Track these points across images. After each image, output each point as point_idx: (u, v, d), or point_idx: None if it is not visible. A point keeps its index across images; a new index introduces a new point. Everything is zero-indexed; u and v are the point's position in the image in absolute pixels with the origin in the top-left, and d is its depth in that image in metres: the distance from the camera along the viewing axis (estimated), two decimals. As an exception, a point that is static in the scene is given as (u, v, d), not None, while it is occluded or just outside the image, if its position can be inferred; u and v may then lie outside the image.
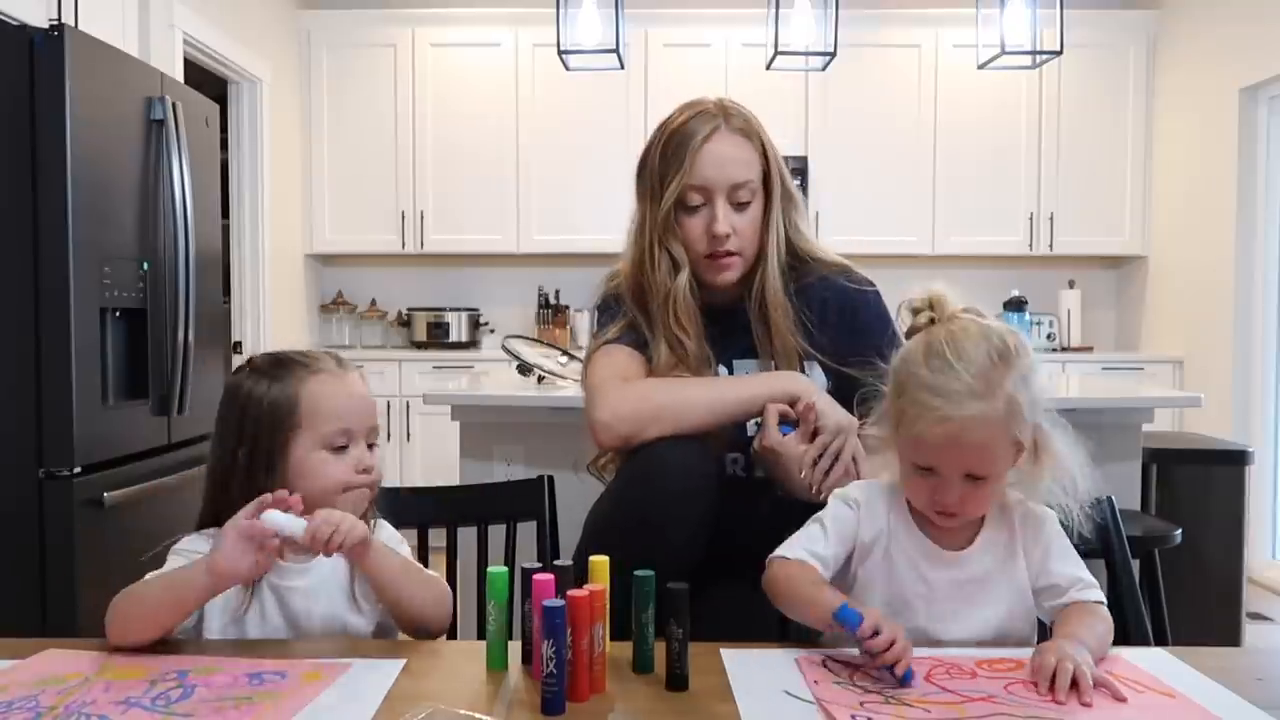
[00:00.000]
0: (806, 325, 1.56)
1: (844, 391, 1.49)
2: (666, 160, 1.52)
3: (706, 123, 1.52)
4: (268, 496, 1.16)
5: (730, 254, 1.52)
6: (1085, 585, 1.17)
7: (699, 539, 1.42)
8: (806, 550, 1.19)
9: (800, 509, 1.43)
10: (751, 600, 1.52)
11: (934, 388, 1.09)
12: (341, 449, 1.27)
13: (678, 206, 1.52)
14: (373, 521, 1.32)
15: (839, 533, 1.21)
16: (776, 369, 1.55)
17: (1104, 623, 1.13)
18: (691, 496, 1.41)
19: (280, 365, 1.29)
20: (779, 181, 1.56)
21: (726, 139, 1.52)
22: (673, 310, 1.53)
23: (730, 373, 1.59)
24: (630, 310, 1.60)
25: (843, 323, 1.58)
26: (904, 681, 1.00)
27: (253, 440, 1.24)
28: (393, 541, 1.33)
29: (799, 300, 1.58)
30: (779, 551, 1.20)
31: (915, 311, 1.19)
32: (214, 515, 1.24)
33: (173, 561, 1.23)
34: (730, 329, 1.59)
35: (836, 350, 1.55)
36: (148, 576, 1.19)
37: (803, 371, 1.56)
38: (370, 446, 1.31)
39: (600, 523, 1.50)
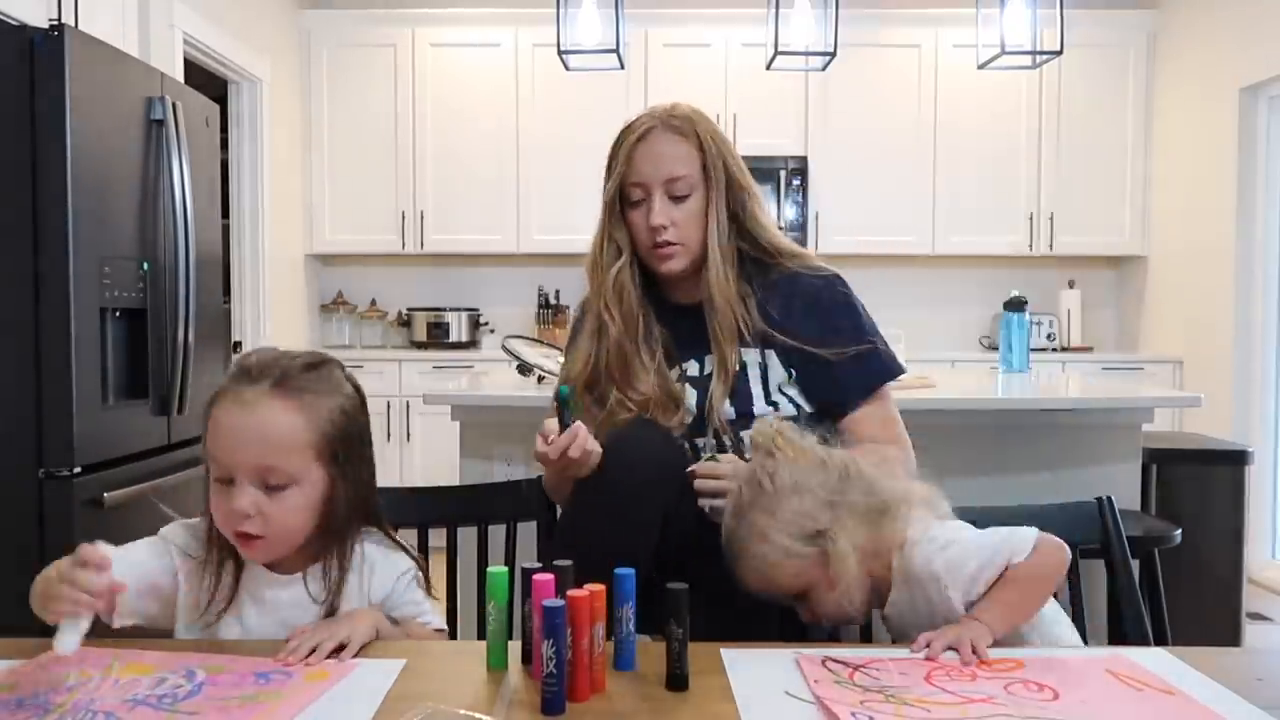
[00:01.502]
0: (770, 315, 1.61)
1: (812, 376, 1.59)
2: (612, 158, 1.64)
3: (646, 123, 1.62)
4: (91, 550, 1.08)
5: (670, 244, 1.60)
6: (997, 561, 1.18)
7: (669, 514, 1.43)
8: None
9: None
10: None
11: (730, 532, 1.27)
12: (227, 486, 1.14)
13: (623, 203, 1.63)
14: (360, 570, 1.23)
15: None
16: (724, 355, 1.59)
17: (1017, 586, 1.17)
18: (656, 479, 1.43)
19: (231, 375, 1.20)
20: (721, 175, 1.62)
21: (661, 137, 1.60)
22: (604, 296, 1.62)
23: (700, 370, 1.63)
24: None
25: (809, 313, 1.62)
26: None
27: (204, 446, 1.19)
28: (400, 584, 1.25)
29: (765, 293, 1.63)
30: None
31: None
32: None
33: (145, 544, 1.22)
34: (692, 327, 1.63)
35: (805, 338, 1.60)
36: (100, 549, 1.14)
37: (762, 360, 1.60)
38: (272, 488, 1.14)
39: (573, 508, 1.51)
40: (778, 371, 1.61)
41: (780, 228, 1.83)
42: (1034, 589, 1.19)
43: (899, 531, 1.23)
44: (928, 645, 1.11)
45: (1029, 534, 1.19)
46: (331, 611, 1.20)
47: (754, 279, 1.64)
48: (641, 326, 1.62)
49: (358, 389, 1.26)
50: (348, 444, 1.21)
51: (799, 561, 1.21)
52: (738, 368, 1.59)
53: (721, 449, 1.58)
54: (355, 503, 1.23)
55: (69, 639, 1.05)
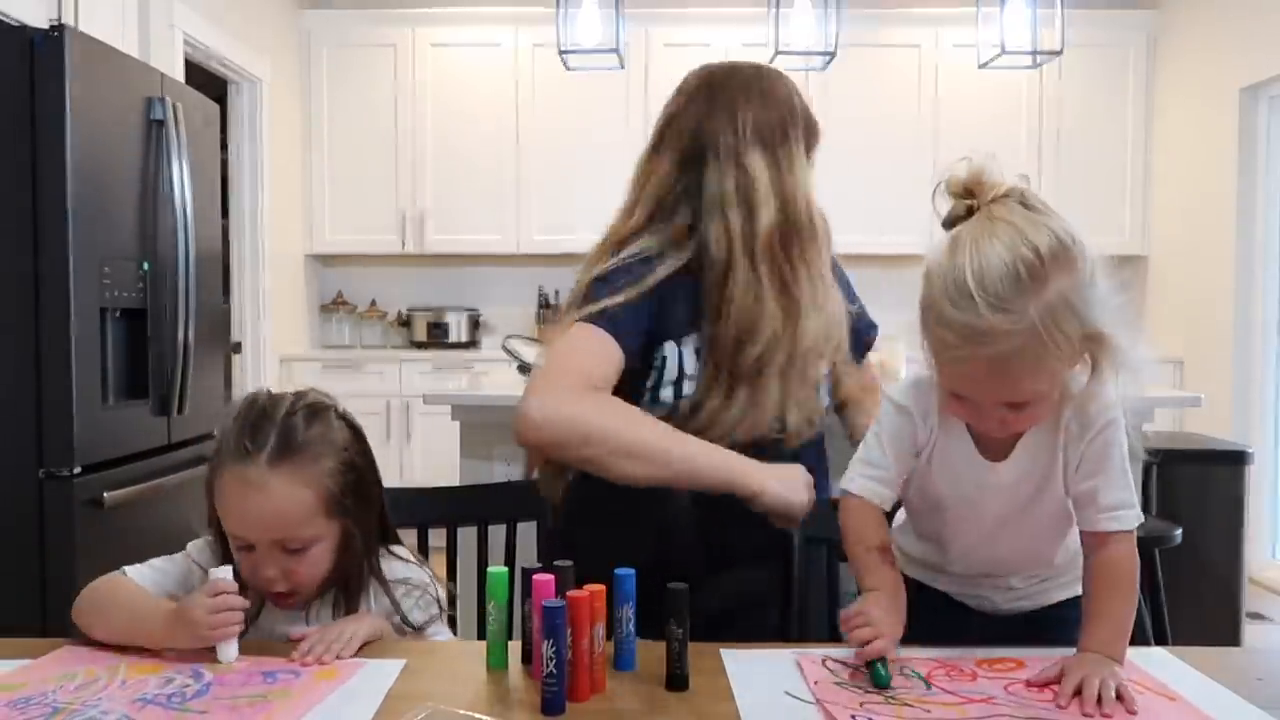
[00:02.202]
0: None
1: None
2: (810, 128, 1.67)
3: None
4: (218, 580, 1.08)
5: None
6: (1115, 511, 1.07)
7: (688, 529, 1.42)
8: (871, 481, 1.15)
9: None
10: (747, 589, 1.52)
11: (952, 324, 0.97)
12: (248, 550, 1.17)
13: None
14: (369, 605, 1.24)
15: (898, 451, 1.15)
16: None
17: (1126, 598, 1.05)
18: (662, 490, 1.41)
19: (232, 434, 1.18)
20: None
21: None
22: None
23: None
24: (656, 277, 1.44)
25: None
26: (876, 682, 0.99)
27: (208, 493, 1.20)
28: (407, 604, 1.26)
29: None
30: (845, 482, 1.16)
31: (953, 196, 1.07)
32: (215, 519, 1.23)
33: (175, 564, 1.23)
34: None
35: None
36: (131, 574, 1.19)
37: None
38: (293, 552, 1.16)
39: (585, 519, 1.50)
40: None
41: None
42: (1135, 597, 1.07)
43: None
44: (1052, 686, 0.98)
45: (1138, 509, 1.07)
46: None
47: None
48: None
49: (354, 428, 1.26)
50: (355, 493, 1.22)
51: (1069, 350, 0.98)
52: None
53: None
54: (368, 538, 1.25)
55: (232, 650, 1.08)
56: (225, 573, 1.10)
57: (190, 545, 1.26)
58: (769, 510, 1.38)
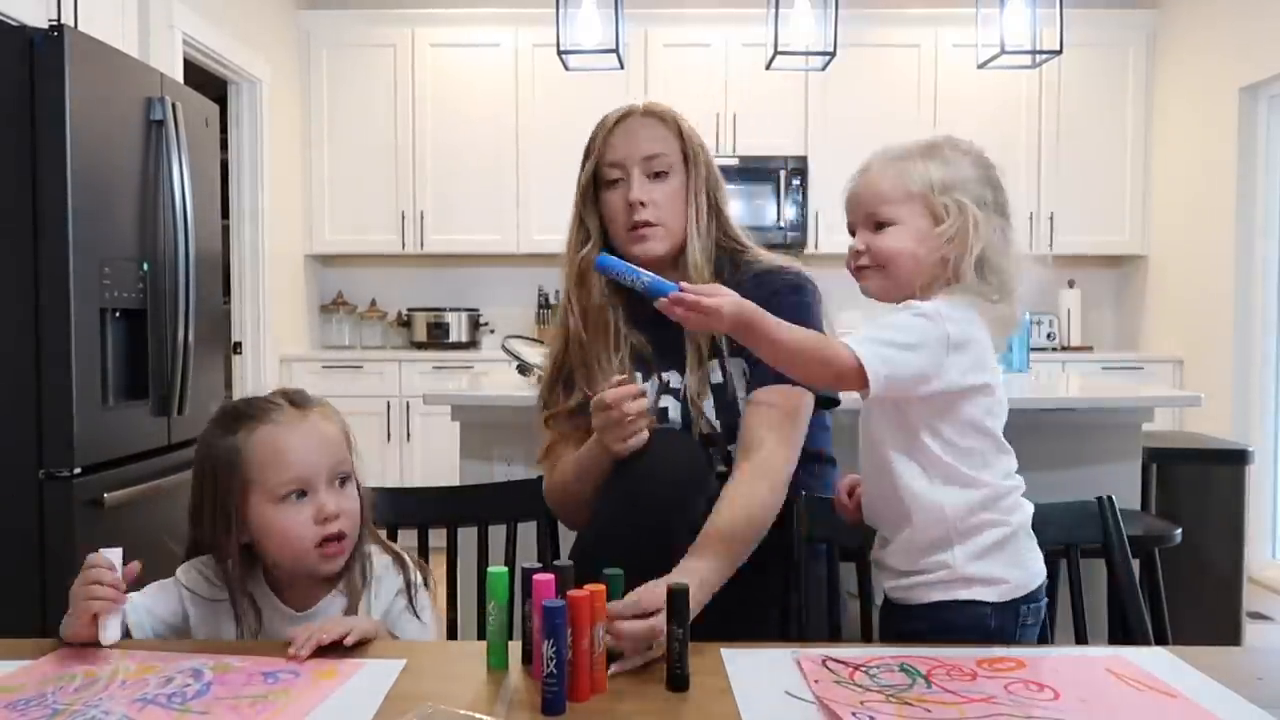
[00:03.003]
0: None
1: (761, 379, 1.49)
2: (589, 146, 1.61)
3: (622, 110, 1.61)
4: (92, 556, 1.13)
5: (649, 224, 1.55)
6: (853, 335, 1.17)
7: (696, 527, 1.42)
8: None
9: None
10: (747, 588, 1.52)
11: (860, 169, 1.29)
12: (300, 498, 1.19)
13: (599, 185, 1.59)
14: (368, 581, 1.25)
15: None
16: (697, 349, 1.54)
17: (811, 335, 1.17)
18: (688, 488, 1.41)
19: (234, 417, 1.22)
20: (701, 165, 1.59)
21: (638, 119, 1.59)
22: (572, 276, 1.59)
23: (682, 380, 1.56)
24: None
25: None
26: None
27: (211, 499, 1.21)
28: (397, 605, 1.26)
29: (740, 291, 1.57)
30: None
31: None
32: (195, 548, 1.26)
33: (157, 587, 1.24)
34: (674, 335, 1.54)
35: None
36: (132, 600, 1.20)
37: (721, 369, 1.55)
38: (342, 483, 1.23)
39: (600, 520, 1.49)
40: (742, 381, 1.54)
41: (779, 227, 1.81)
42: (805, 358, 1.16)
43: (963, 274, 1.20)
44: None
45: (866, 337, 1.15)
46: None
47: (725, 273, 1.58)
48: (607, 322, 1.56)
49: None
50: (353, 456, 1.28)
51: (925, 200, 1.22)
52: (722, 379, 1.53)
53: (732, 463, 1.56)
54: (368, 500, 1.29)
55: (111, 631, 1.11)
56: (114, 554, 1.15)
57: (179, 570, 1.26)
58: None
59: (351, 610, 1.23)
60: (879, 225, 1.23)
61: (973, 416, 1.20)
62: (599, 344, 1.56)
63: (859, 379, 1.12)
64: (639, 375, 1.57)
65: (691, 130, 1.60)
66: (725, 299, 1.12)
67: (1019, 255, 1.23)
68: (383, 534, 1.39)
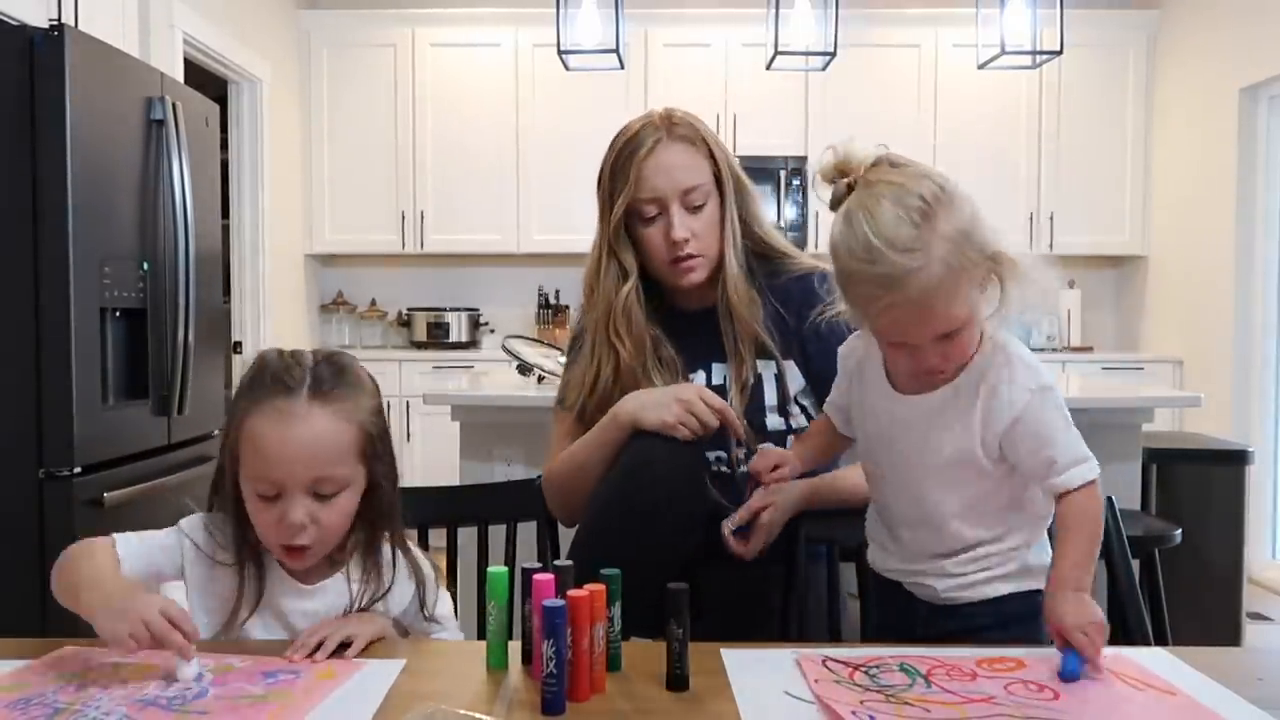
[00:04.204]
0: (785, 322, 1.58)
1: (822, 389, 1.49)
2: (615, 176, 1.56)
3: (650, 135, 1.55)
4: (180, 641, 1.00)
5: (692, 256, 1.55)
6: (1068, 470, 1.12)
7: (692, 530, 1.42)
8: (830, 402, 1.36)
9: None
10: (747, 588, 1.52)
11: (870, 279, 1.07)
12: (273, 500, 1.13)
13: (635, 219, 1.56)
14: (383, 593, 1.21)
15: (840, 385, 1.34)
16: (742, 366, 1.57)
17: (1084, 534, 1.11)
18: (681, 489, 1.41)
19: (251, 382, 1.16)
20: (731, 181, 1.59)
21: (671, 148, 1.54)
22: (612, 320, 1.57)
23: (709, 379, 1.60)
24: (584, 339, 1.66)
25: (824, 329, 1.57)
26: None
27: (227, 458, 1.18)
28: (412, 608, 1.24)
29: (777, 297, 1.60)
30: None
31: (830, 180, 1.18)
32: (213, 503, 1.23)
33: (169, 538, 1.20)
34: (703, 335, 1.60)
35: (820, 355, 1.55)
36: (119, 542, 1.17)
37: (778, 371, 1.57)
38: (322, 498, 1.14)
39: (595, 521, 1.50)
40: (797, 380, 1.57)
41: (779, 227, 1.82)
42: (1097, 529, 1.12)
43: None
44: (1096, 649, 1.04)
45: (1091, 462, 1.13)
46: None
47: (760, 278, 1.60)
48: (650, 347, 1.57)
49: (374, 380, 1.25)
50: (383, 441, 1.21)
51: (973, 279, 1.08)
52: (753, 380, 1.56)
53: (731, 464, 1.57)
54: (391, 497, 1.23)
55: (191, 669, 1.02)
56: (139, 549, 1.16)
57: (183, 521, 1.22)
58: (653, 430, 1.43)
59: (355, 607, 1.20)
60: (947, 335, 1.11)
61: None
62: (648, 369, 1.57)
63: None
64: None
65: (717, 144, 1.59)
66: None
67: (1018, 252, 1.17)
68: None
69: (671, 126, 1.56)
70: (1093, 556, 1.12)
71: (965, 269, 1.07)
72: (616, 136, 1.59)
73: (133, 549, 1.18)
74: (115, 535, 1.19)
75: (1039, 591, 1.18)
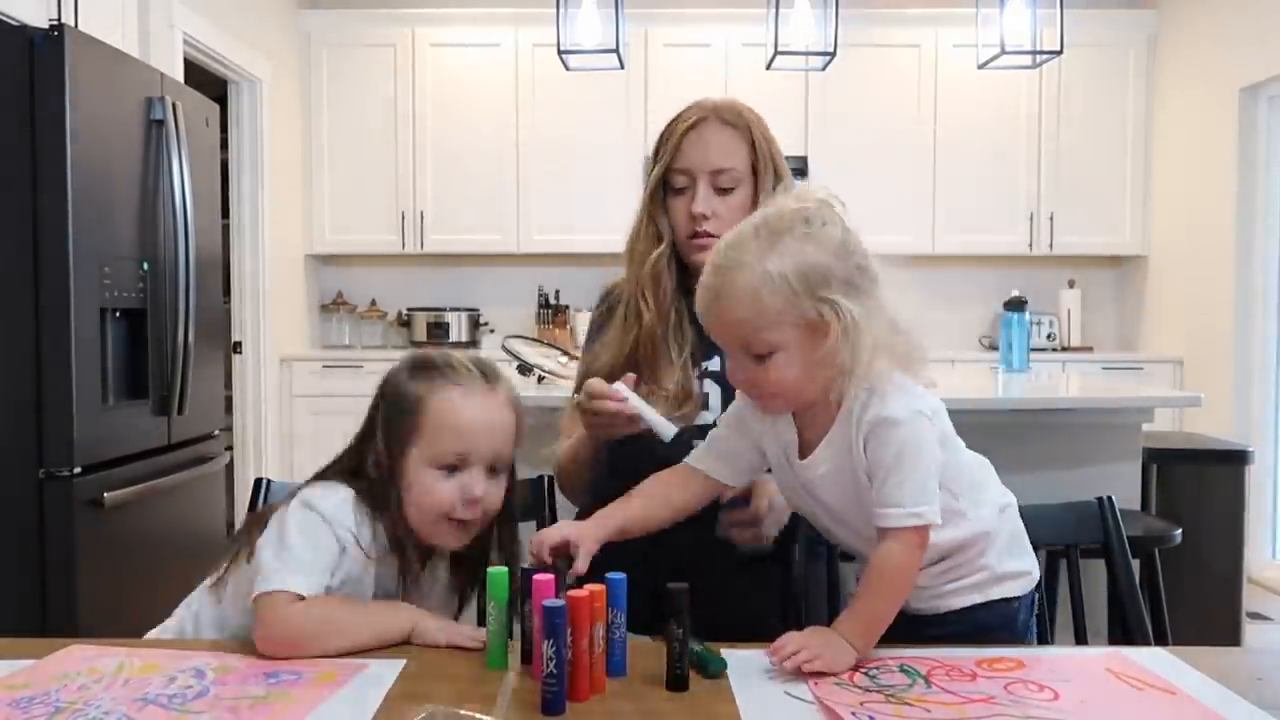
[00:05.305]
0: None
1: None
2: (660, 145, 1.61)
3: (696, 112, 1.59)
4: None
5: (710, 235, 1.55)
6: (884, 509, 1.09)
7: (694, 530, 1.42)
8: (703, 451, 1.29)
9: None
10: (747, 588, 1.52)
11: (709, 263, 1.14)
12: (452, 470, 1.20)
13: (667, 189, 1.59)
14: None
15: (731, 429, 1.28)
16: None
17: (878, 593, 1.09)
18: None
19: (424, 367, 1.24)
20: (770, 175, 1.59)
21: (712, 127, 1.58)
22: (642, 279, 1.59)
23: (723, 366, 1.59)
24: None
25: None
26: (710, 668, 1.04)
27: (385, 434, 1.22)
28: None
29: None
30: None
31: None
32: (345, 473, 1.23)
33: (321, 546, 1.16)
34: None
35: None
36: (308, 595, 1.12)
37: None
38: (495, 472, 1.23)
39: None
40: None
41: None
42: (904, 581, 1.10)
43: (870, 371, 1.09)
44: (784, 653, 1.05)
45: (905, 511, 1.09)
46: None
47: None
48: (674, 318, 1.58)
49: None
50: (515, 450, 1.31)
51: (793, 309, 1.08)
52: None
53: None
54: (513, 509, 1.31)
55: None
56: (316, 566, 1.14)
57: (320, 505, 1.17)
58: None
59: (456, 605, 1.29)
60: (759, 356, 1.11)
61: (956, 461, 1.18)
62: (668, 339, 1.58)
63: (925, 539, 1.11)
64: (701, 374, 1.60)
65: (764, 136, 1.60)
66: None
67: (893, 309, 1.14)
68: None
69: (721, 110, 1.60)
70: (879, 613, 1.08)
71: (785, 295, 1.08)
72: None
73: (317, 587, 1.14)
74: (293, 590, 1.11)
75: (1009, 600, 1.19)
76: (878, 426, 1.10)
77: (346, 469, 1.24)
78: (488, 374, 1.26)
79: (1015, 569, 1.21)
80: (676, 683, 1.00)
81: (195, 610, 1.26)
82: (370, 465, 1.22)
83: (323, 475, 1.24)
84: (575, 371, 1.75)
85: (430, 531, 1.22)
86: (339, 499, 1.19)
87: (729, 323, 1.12)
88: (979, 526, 1.18)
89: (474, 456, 1.20)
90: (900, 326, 1.13)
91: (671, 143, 1.57)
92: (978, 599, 1.19)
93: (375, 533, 1.20)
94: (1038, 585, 1.24)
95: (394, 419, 1.22)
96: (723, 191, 1.56)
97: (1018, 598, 1.21)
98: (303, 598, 1.11)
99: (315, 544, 1.16)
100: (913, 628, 1.23)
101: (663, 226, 1.59)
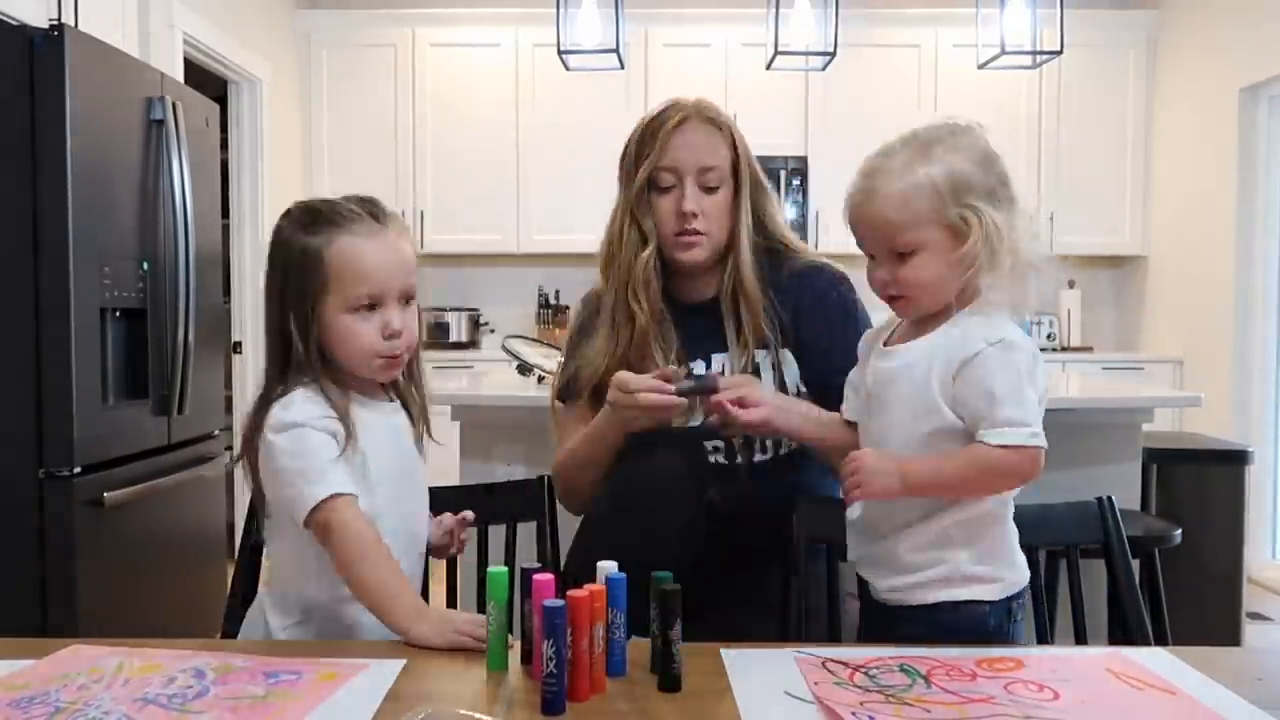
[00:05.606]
0: (781, 316, 1.60)
1: (820, 379, 1.55)
2: (641, 145, 1.62)
3: (678, 112, 1.63)
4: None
5: (697, 233, 1.58)
6: (1002, 428, 1.13)
7: (692, 533, 1.42)
8: (847, 381, 1.36)
9: (782, 491, 1.47)
10: (747, 588, 1.52)
11: (859, 171, 1.21)
12: (370, 310, 1.23)
13: (651, 188, 1.61)
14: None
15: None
16: (746, 353, 1.59)
17: (963, 460, 1.15)
18: (681, 493, 1.42)
19: (313, 218, 1.25)
20: (748, 175, 1.64)
21: (697, 127, 1.62)
22: (632, 284, 1.59)
23: (708, 368, 1.60)
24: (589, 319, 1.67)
25: (818, 315, 1.61)
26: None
27: (295, 298, 1.23)
28: None
29: (775, 292, 1.61)
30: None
31: None
32: (280, 373, 1.24)
33: (288, 437, 1.19)
34: (702, 327, 1.62)
35: (815, 341, 1.59)
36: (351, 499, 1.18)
37: (775, 360, 1.59)
38: (407, 302, 1.27)
39: (596, 525, 1.50)
40: (793, 369, 1.59)
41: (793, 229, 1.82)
42: (983, 481, 1.16)
43: (1003, 276, 1.15)
44: (848, 469, 1.16)
45: (1030, 431, 1.14)
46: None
47: (765, 270, 1.63)
48: (662, 321, 1.60)
49: None
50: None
51: (939, 213, 1.15)
52: (752, 369, 1.57)
53: (731, 454, 1.57)
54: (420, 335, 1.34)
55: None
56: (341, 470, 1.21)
57: (289, 417, 1.20)
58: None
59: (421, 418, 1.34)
60: (900, 255, 1.18)
61: None
62: (658, 340, 1.59)
63: (1037, 463, 1.15)
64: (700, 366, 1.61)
65: (741, 137, 1.65)
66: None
67: (1035, 238, 1.21)
68: None
69: (700, 109, 1.64)
70: (946, 477, 1.15)
71: (932, 200, 1.15)
72: (644, 116, 1.68)
73: (348, 487, 1.19)
74: (338, 493, 1.17)
75: (978, 603, 1.20)
76: (998, 347, 1.15)
77: (279, 365, 1.25)
78: (376, 213, 1.28)
79: (987, 573, 1.21)
80: (669, 683, 1.00)
81: (261, 602, 1.30)
82: (296, 341, 1.22)
83: (266, 395, 1.24)
84: None
85: (366, 371, 1.26)
86: (299, 399, 1.22)
87: (877, 224, 1.18)
88: (986, 506, 1.21)
89: (386, 293, 1.24)
90: (1028, 258, 1.18)
91: (657, 141, 1.59)
92: (943, 597, 1.20)
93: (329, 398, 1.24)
94: (1018, 595, 1.23)
95: (298, 278, 1.23)
96: (708, 190, 1.58)
97: (988, 602, 1.20)
98: (342, 495, 1.17)
99: (312, 449, 1.19)
100: (881, 622, 1.26)
101: (647, 227, 1.60)
